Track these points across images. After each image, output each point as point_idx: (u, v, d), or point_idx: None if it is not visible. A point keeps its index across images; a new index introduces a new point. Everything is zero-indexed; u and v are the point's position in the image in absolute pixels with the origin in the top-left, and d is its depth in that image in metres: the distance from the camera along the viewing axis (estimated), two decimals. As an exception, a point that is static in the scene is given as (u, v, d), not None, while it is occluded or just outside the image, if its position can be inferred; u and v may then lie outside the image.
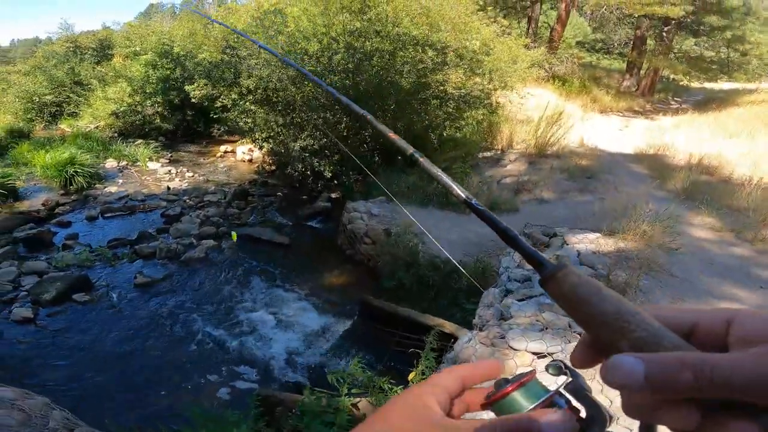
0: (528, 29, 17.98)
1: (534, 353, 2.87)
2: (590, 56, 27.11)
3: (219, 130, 11.39)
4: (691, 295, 3.94)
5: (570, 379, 0.35)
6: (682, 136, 10.49)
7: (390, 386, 3.11)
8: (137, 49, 14.98)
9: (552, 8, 20.88)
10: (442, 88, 7.94)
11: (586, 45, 28.41)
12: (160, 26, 15.83)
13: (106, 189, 9.17)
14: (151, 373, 4.19)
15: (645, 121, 13.64)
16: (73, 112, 15.62)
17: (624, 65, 22.54)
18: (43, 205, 8.15)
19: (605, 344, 0.30)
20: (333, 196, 8.31)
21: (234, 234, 6.75)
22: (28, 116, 15.34)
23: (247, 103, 8.39)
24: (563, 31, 17.83)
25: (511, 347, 2.96)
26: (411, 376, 3.22)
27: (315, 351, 4.56)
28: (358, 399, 3.08)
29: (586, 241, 4.81)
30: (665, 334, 0.28)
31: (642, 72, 19.76)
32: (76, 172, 9.14)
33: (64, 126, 14.99)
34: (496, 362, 0.40)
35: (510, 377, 0.36)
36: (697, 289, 4.05)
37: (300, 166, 8.14)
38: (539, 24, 19.65)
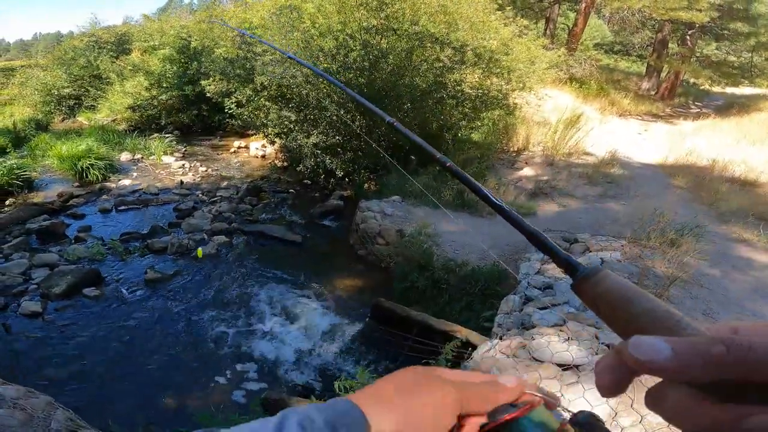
0: (546, 30, 17.69)
1: (559, 365, 2.71)
2: (608, 58, 26.59)
3: (233, 125, 11.40)
4: (721, 308, 3.76)
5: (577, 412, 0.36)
6: (705, 142, 10.21)
7: (399, 398, 2.98)
8: (155, 43, 15.08)
9: (570, 10, 20.52)
10: (458, 87, 7.80)
11: (604, 47, 27.89)
12: (178, 20, 15.91)
13: (120, 182, 9.18)
14: (158, 372, 4.11)
15: (665, 125, 13.32)
16: (91, 105, 15.80)
17: (643, 68, 22.09)
18: (58, 196, 8.15)
19: None
20: (345, 194, 8.19)
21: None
22: (47, 109, 15.54)
23: (262, 99, 8.33)
24: (582, 33, 17.51)
25: (534, 358, 2.81)
26: None
27: (325, 353, 4.44)
28: None
29: (610, 249, 4.63)
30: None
31: (662, 75, 19.33)
32: (91, 164, 9.18)
33: (82, 119, 15.18)
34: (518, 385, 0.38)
35: (510, 406, 0.35)
36: (728, 301, 3.87)
37: (311, 163, 8.06)
38: (557, 25, 19.33)
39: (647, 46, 22.26)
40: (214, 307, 5.10)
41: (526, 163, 7.61)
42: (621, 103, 14.66)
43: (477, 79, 7.87)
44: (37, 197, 8.28)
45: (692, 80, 23.27)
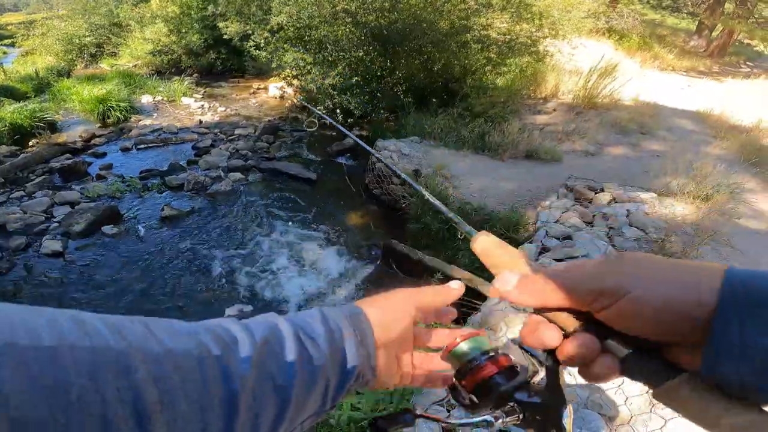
0: (586, -20, 16.36)
1: (569, 322, 2.56)
2: (655, 13, 24.59)
3: (252, 67, 11.21)
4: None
5: (510, 339, 0.45)
6: (753, 100, 9.48)
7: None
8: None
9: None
10: (484, 32, 7.34)
11: (651, 2, 25.80)
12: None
13: (141, 122, 9.22)
14: (170, 314, 3.98)
15: (711, 82, 12.37)
16: (113, 52, 15.83)
17: (693, 26, 20.49)
18: (80, 136, 8.23)
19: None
20: (363, 134, 7.99)
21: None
22: (69, 57, 15.62)
23: (279, 41, 8.08)
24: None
25: (544, 315, 2.68)
26: None
27: (334, 295, 4.41)
28: None
29: (638, 200, 4.36)
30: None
31: (713, 33, 17.96)
32: (112, 106, 9.22)
33: (105, 65, 15.22)
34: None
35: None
36: (759, 265, 3.58)
37: (329, 103, 7.87)
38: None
39: (700, 3, 20.53)
40: (227, 245, 5.11)
41: (554, 110, 7.19)
42: (665, 58, 13.64)
43: (505, 24, 7.38)
44: (60, 138, 8.37)
45: (746, 41, 21.50)
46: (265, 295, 4.39)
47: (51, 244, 4.87)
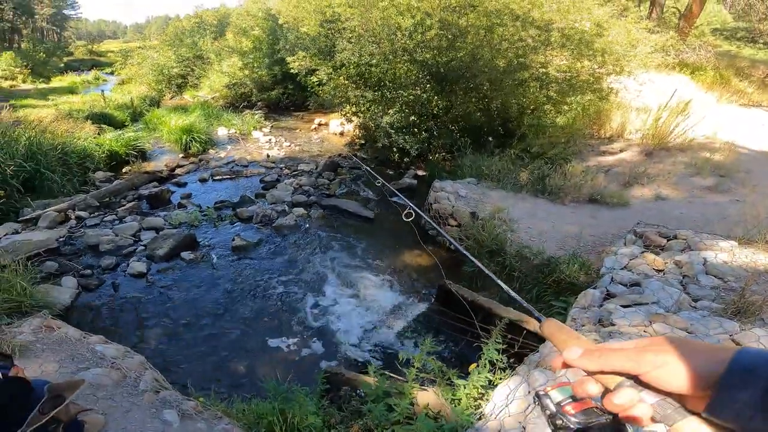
0: (650, 13, 15.80)
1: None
2: (729, 44, 23.06)
3: (315, 102, 11.89)
4: None
5: None
6: None
7: (459, 380, 2.93)
8: (245, 25, 16.09)
9: (682, -7, 18.05)
10: (543, 70, 7.28)
11: (724, 33, 24.25)
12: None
13: (217, 154, 10.12)
14: (235, 337, 4.36)
15: (800, 116, 11.26)
16: (195, 84, 17.43)
17: (771, 57, 18.97)
18: (166, 166, 9.13)
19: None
20: (419, 173, 8.18)
21: None
22: (159, 87, 17.42)
23: (341, 78, 8.53)
24: (697, 18, 15.43)
25: (608, 359, 2.58)
26: (472, 367, 2.99)
27: (387, 331, 4.48)
28: (425, 388, 2.94)
29: (716, 249, 4.10)
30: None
31: (797, 64, 16.46)
32: (194, 137, 10.18)
33: (188, 96, 16.81)
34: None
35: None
36: None
37: (386, 141, 8.13)
38: (665, 9, 17.17)
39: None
40: (288, 276, 5.39)
41: (621, 150, 6.92)
42: (744, 91, 12.67)
43: (565, 62, 7.27)
44: (149, 166, 9.34)
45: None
46: (321, 327, 4.55)
47: (137, 266, 5.34)
